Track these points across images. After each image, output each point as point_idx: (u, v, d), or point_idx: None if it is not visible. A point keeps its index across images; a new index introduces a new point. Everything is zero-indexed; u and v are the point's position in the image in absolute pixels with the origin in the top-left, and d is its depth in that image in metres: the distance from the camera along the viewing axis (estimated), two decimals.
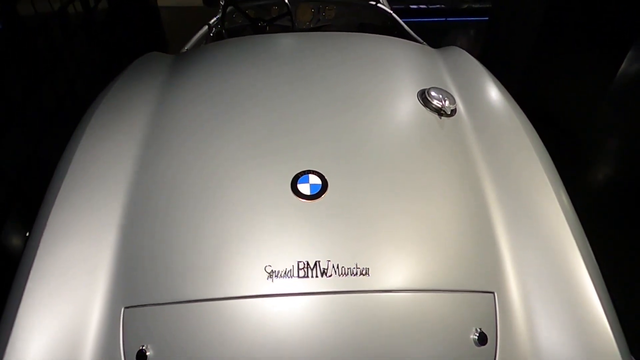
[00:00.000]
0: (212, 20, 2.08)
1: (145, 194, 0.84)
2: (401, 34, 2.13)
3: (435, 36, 5.77)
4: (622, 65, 2.86)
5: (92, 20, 4.25)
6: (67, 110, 2.93)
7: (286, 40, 1.34)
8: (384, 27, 2.32)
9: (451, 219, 0.83)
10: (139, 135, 0.95)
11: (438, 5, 6.28)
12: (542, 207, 0.85)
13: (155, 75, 1.17)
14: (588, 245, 0.86)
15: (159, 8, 5.88)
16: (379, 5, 2.33)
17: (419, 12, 6.17)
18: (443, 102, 0.99)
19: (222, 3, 2.08)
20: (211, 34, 1.98)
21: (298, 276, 0.72)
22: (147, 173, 0.87)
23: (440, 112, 0.98)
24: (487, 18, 3.48)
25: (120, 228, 0.80)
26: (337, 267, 0.73)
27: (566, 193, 0.94)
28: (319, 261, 0.73)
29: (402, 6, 6.30)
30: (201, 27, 2.00)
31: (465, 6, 6.32)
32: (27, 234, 0.81)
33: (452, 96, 1.02)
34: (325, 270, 0.72)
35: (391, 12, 2.32)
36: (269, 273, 0.72)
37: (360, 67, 1.18)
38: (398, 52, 1.30)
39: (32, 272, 0.75)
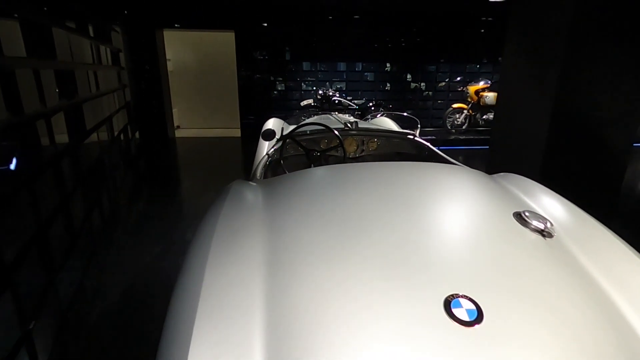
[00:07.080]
0: (270, 151, 2.21)
1: (280, 331, 0.72)
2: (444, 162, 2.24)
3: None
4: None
5: (129, 149, 4.62)
6: (112, 231, 2.96)
7: (365, 168, 1.36)
8: (420, 156, 2.47)
9: (604, 344, 0.74)
10: (260, 258, 0.90)
11: (430, 137, 7.12)
12: None
13: (254, 199, 1.19)
14: None
15: (175, 138, 7.28)
16: (416, 138, 2.52)
17: None
18: (544, 224, 0.99)
19: (277, 138, 2.29)
20: (267, 162, 2.11)
21: None
22: (278, 302, 0.77)
23: (542, 233, 0.99)
24: (477, 147, 3.84)
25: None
26: None
27: None
28: None
29: None
30: (262, 158, 2.15)
31: (452, 137, 7.18)
32: None
33: (546, 218, 1.03)
34: None
35: (428, 144, 2.45)
36: None
37: (450, 193, 1.21)
38: (474, 179, 1.32)
39: None
